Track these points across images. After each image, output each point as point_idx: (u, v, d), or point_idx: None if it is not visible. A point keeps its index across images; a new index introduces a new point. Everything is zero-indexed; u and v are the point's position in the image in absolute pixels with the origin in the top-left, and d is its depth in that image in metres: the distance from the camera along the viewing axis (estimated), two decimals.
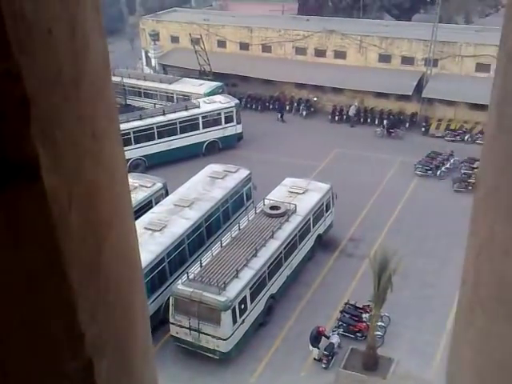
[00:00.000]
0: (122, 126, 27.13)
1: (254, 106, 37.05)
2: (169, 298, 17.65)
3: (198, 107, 29.99)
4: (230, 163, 24.48)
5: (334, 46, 37.10)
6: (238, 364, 17.30)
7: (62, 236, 0.98)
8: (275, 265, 19.05)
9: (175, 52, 40.39)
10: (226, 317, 16.76)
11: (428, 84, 33.70)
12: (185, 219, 20.05)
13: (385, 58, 35.74)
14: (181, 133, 29.24)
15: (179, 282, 17.55)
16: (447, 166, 28.18)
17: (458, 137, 31.92)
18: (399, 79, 33.69)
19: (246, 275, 17.73)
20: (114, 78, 35.30)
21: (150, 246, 18.36)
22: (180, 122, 29.20)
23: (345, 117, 35.10)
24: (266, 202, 21.10)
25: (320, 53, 37.57)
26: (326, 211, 22.54)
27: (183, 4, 55.77)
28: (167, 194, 22.41)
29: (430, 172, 27.78)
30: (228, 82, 36.68)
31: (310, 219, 21.27)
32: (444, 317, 17.92)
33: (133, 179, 22.67)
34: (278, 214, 20.42)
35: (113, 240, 1.21)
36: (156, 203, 21.58)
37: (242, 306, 17.38)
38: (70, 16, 0.99)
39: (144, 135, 28.35)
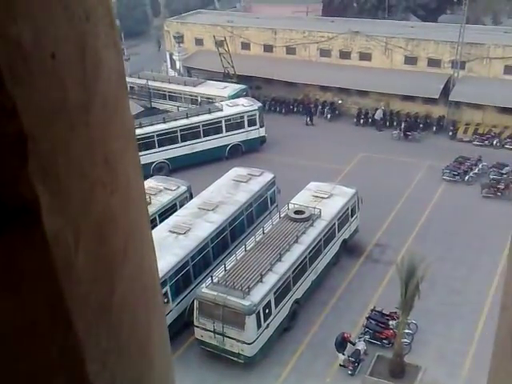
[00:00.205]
0: (146, 130, 27.33)
1: (277, 109, 36.87)
2: (193, 301, 17.59)
3: (221, 110, 29.91)
4: (254, 166, 24.38)
5: (359, 48, 36.75)
6: (262, 368, 17.18)
7: (66, 283, 0.90)
8: (300, 270, 18.87)
9: (199, 54, 40.42)
10: (251, 321, 16.66)
11: (455, 87, 33.16)
12: (209, 223, 19.98)
13: (411, 60, 35.27)
14: (204, 136, 29.20)
15: (203, 285, 17.47)
16: (475, 171, 27.65)
17: (487, 141, 31.27)
18: (425, 82, 33.21)
19: (271, 280, 17.59)
20: (139, 81, 35.52)
21: (175, 249, 18.39)
22: (203, 126, 29.14)
23: (370, 120, 34.75)
24: (291, 206, 20.92)
25: (345, 55, 37.26)
26: (352, 216, 22.27)
27: (207, 6, 55.85)
28: (191, 197, 22.36)
29: (457, 177, 27.28)
30: (252, 84, 36.57)
31: (334, 224, 21.03)
32: (473, 324, 17.57)
33: (157, 182, 22.79)
34: (303, 218, 20.23)
35: (128, 270, 1.13)
36: (180, 206, 21.55)
37: (267, 311, 17.25)
38: (79, 35, 0.91)
39: (168, 138, 28.36)
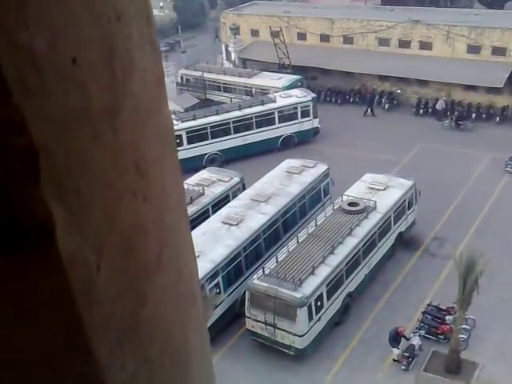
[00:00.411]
0: (200, 121, 27.48)
1: (333, 99, 36.28)
2: (245, 292, 17.59)
3: (274, 102, 29.67)
4: (307, 158, 24.03)
5: (419, 37, 35.73)
6: (313, 361, 16.99)
7: (84, 306, 0.82)
8: (353, 263, 18.53)
9: (255, 45, 40.31)
10: (302, 313, 16.51)
11: None
12: (261, 214, 19.88)
13: (474, 49, 34.00)
14: (256, 127, 29.03)
15: (255, 276, 17.44)
16: None
17: None
18: (489, 71, 31.91)
19: (323, 272, 17.36)
20: (195, 73, 35.77)
21: (227, 240, 18.43)
22: (256, 117, 28.96)
23: (430, 110, 33.80)
24: (345, 198, 20.55)
25: (404, 44, 36.32)
26: (409, 208, 21.69)
27: None
28: (244, 188, 22.32)
29: None
30: (307, 75, 36.12)
31: (390, 216, 20.53)
32: None
33: (211, 173, 22.89)
34: (357, 210, 19.83)
35: (162, 280, 1.03)
36: (233, 197, 21.52)
37: (318, 303, 17.04)
38: (107, 36, 0.83)
39: (220, 130, 28.33)
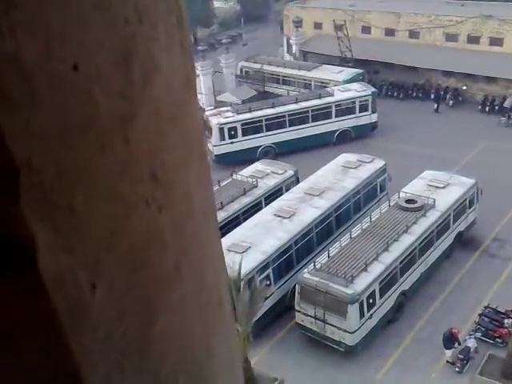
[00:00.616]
0: (255, 114, 27.41)
1: (395, 94, 35.59)
2: (295, 286, 17.42)
3: (332, 95, 29.22)
4: (363, 153, 23.56)
5: (489, 33, 34.48)
6: (363, 359, 16.67)
7: (73, 332, 0.73)
8: (408, 261, 18.03)
9: (317, 38, 39.94)
10: (353, 310, 16.23)
11: None
12: (314, 208, 19.63)
13: None
14: (312, 121, 28.62)
15: (306, 270, 17.24)
16: None
17: None
18: None
19: (376, 269, 16.98)
20: (255, 65, 35.75)
21: (279, 232, 18.30)
22: (312, 111, 28.55)
23: (497, 107, 32.54)
24: (402, 194, 20.02)
25: (473, 39, 35.15)
26: (469, 208, 20.94)
27: None
28: (298, 181, 22.10)
29: None
30: (369, 68, 35.53)
31: (450, 215, 19.87)
32: None
33: (265, 166, 22.81)
34: (415, 207, 19.27)
35: (180, 290, 0.94)
36: (286, 190, 21.35)
37: (370, 301, 16.70)
38: (123, 39, 0.75)
39: (276, 123, 28.10)
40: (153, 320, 0.88)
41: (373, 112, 29.54)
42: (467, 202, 20.75)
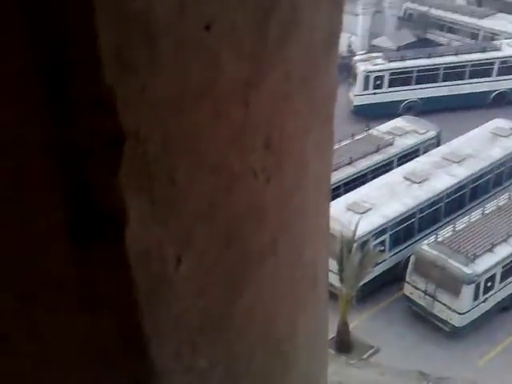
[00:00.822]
0: (407, 63, 25.33)
1: None
2: (409, 256, 16.87)
3: (499, 50, 26.12)
4: None
5: None
6: (468, 342, 16.00)
7: (150, 307, 0.71)
8: None
9: None
10: (468, 290, 15.56)
11: None
12: (450, 176, 18.50)
13: None
14: (469, 78, 25.90)
15: (425, 242, 16.61)
16: None
17: None
18: None
19: (502, 251, 15.99)
20: (421, 8, 33.26)
21: (404, 197, 17.60)
22: (471, 66, 25.79)
23: None
24: None
25: None
26: None
27: None
28: (439, 144, 20.76)
29: None
30: None
31: None
32: None
33: (406, 122, 21.66)
34: None
35: (271, 266, 0.88)
36: (424, 152, 20.18)
37: (489, 284, 15.89)
38: None
39: (427, 75, 25.66)
40: (237, 297, 0.84)
41: None
42: None
